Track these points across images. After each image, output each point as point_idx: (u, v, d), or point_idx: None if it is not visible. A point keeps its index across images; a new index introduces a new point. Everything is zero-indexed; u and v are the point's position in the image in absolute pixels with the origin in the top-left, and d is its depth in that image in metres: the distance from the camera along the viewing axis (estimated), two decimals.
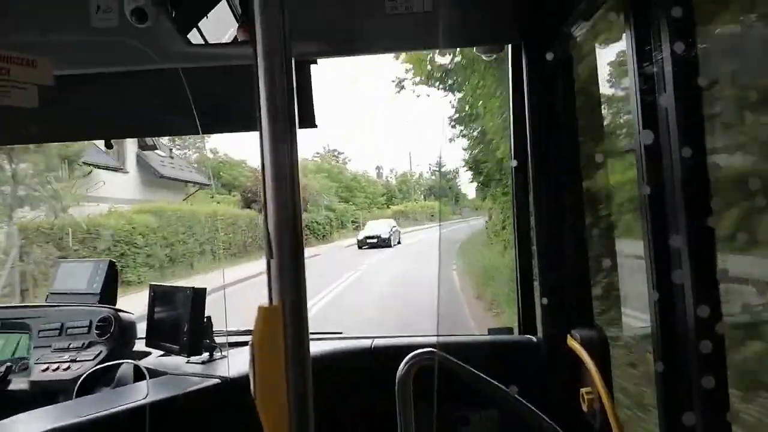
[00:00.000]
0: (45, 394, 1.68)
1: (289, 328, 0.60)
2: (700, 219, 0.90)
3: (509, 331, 1.94)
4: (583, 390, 1.48)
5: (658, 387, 1.01)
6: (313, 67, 1.68)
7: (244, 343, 1.86)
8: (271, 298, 0.61)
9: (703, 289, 0.89)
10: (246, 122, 1.65)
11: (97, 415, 1.29)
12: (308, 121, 1.62)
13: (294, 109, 0.65)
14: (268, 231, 0.61)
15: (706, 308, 0.86)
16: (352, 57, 1.73)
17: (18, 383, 1.77)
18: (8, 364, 1.81)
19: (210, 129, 1.67)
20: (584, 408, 1.47)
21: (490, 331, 1.97)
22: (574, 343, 1.53)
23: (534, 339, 1.80)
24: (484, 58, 1.79)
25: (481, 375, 1.33)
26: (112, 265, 2.02)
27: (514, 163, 1.76)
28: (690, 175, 0.90)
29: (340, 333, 2.13)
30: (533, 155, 1.63)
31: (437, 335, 1.88)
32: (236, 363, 1.60)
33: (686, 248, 0.90)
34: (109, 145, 1.80)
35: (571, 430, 1.33)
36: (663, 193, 0.95)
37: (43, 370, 1.77)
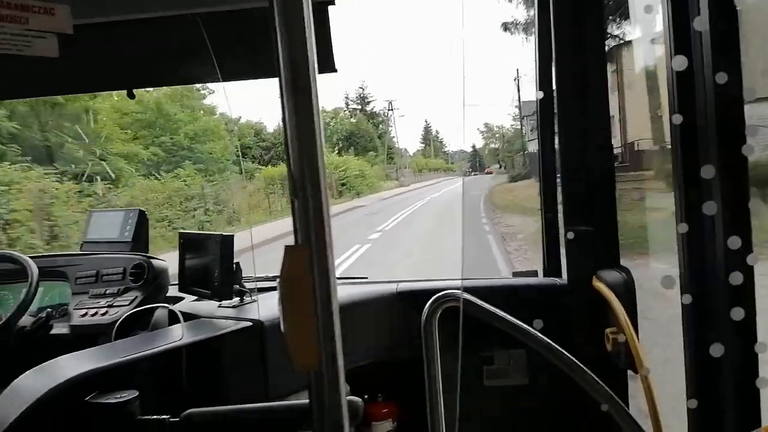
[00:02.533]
0: (85, 338, 1.75)
1: (315, 267, 0.61)
2: (732, 148, 0.87)
3: (534, 274, 1.95)
4: (607, 330, 1.49)
5: (685, 319, 1.01)
6: (330, 8, 1.63)
7: (273, 288, 1.90)
8: (296, 239, 0.62)
9: (734, 220, 0.87)
10: (267, 68, 1.63)
11: (136, 355, 1.34)
12: (328, 65, 1.59)
13: (313, 52, 0.64)
14: (291, 173, 0.61)
15: (737, 239, 0.84)
16: None
17: (59, 328, 1.86)
18: (49, 310, 1.89)
19: (231, 76, 1.66)
20: (608, 347, 1.48)
21: (515, 275, 1.97)
22: (599, 285, 1.53)
23: (559, 281, 1.81)
24: None
25: (506, 315, 1.35)
26: (142, 214, 2.06)
27: (540, 94, 1.71)
28: (724, 103, 0.86)
29: (366, 278, 2.17)
30: (559, 86, 1.58)
31: (462, 278, 1.89)
32: (265, 307, 1.64)
33: (718, 178, 0.88)
34: (131, 95, 1.80)
35: (596, 370, 1.35)
36: (695, 121, 0.91)
37: (82, 316, 1.84)
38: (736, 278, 0.86)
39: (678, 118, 0.93)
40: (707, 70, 0.88)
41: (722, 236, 0.88)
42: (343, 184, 26.14)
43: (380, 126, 46.41)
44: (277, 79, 0.63)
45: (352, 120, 42.31)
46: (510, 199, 18.64)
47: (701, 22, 0.88)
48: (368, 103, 48.79)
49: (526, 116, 38.20)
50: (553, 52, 1.59)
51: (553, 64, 1.60)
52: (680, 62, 0.91)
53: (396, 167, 40.61)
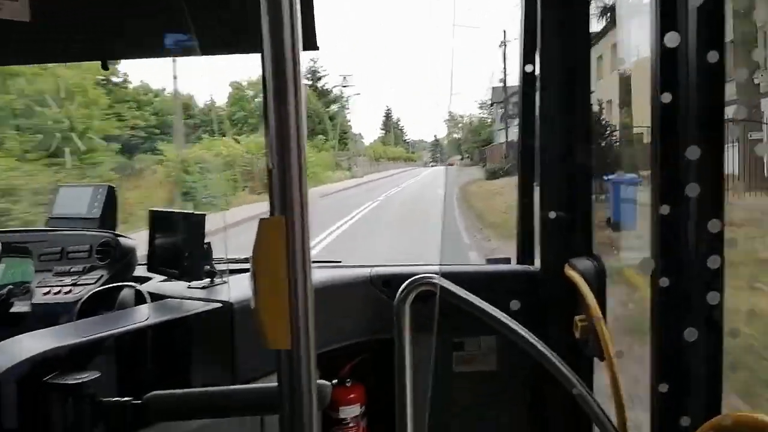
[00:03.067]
0: (47, 317, 1.70)
1: (290, 242, 0.60)
2: (715, 130, 0.88)
3: (507, 261, 1.96)
4: (576, 318, 1.51)
5: (658, 303, 1.02)
6: None
7: (244, 270, 1.87)
8: (272, 211, 0.60)
9: (714, 203, 0.88)
10: (248, 43, 1.59)
11: (98, 335, 1.31)
12: (309, 42, 1.56)
13: (298, 27, 0.63)
14: (270, 142, 0.60)
15: (717, 222, 0.86)
16: None
17: (20, 306, 1.80)
18: (10, 287, 1.82)
19: (211, 50, 1.62)
20: (577, 335, 1.51)
21: (488, 261, 1.99)
22: (571, 272, 1.55)
23: (531, 268, 1.82)
24: None
25: (479, 300, 1.36)
26: (111, 190, 2.01)
27: (528, 68, 1.70)
28: (711, 82, 0.86)
29: (339, 261, 2.15)
30: (543, 69, 1.58)
31: (438, 264, 1.89)
32: (236, 288, 1.62)
33: (699, 160, 0.88)
34: (105, 66, 1.75)
35: (566, 356, 1.37)
36: (678, 101, 0.92)
37: (45, 294, 1.79)
38: (714, 262, 0.88)
39: (667, 97, 0.93)
40: (693, 48, 0.88)
41: (703, 219, 0.89)
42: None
43: (332, 106, 40.67)
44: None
45: None
46: (499, 207, 12.68)
47: None
48: (319, 78, 42.62)
49: (496, 103, 36.63)
50: (538, 37, 1.59)
51: (537, 50, 1.60)
52: (672, 38, 0.91)
53: (349, 155, 36.09)
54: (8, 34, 1.34)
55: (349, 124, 44.15)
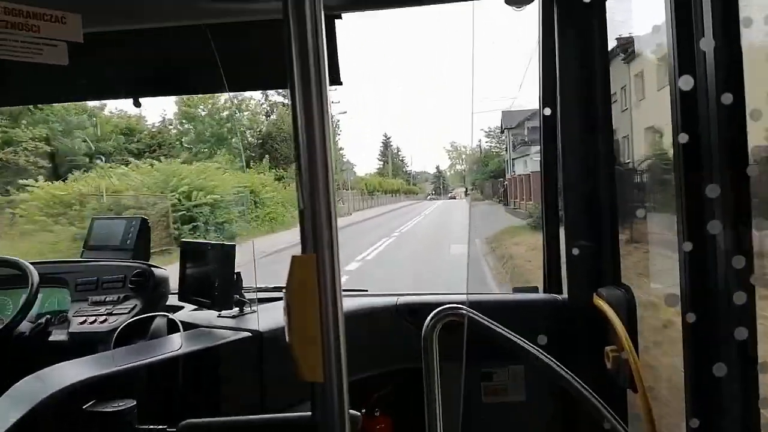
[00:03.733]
0: (83, 345, 1.74)
1: (321, 278, 0.62)
2: (737, 168, 0.88)
3: (534, 289, 1.95)
4: (607, 348, 1.49)
5: (687, 338, 1.01)
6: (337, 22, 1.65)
7: (273, 299, 1.90)
8: (304, 248, 0.62)
9: (737, 239, 0.88)
10: (274, 79, 1.64)
11: (134, 364, 1.34)
12: (333, 78, 1.61)
13: (324, 64, 0.65)
14: (300, 183, 0.62)
15: (741, 259, 0.85)
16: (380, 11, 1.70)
17: (57, 335, 1.85)
18: (48, 316, 1.88)
19: (238, 87, 1.67)
20: (608, 365, 1.48)
21: (515, 290, 1.97)
22: (600, 302, 1.53)
23: (559, 297, 1.81)
24: (514, 9, 1.74)
25: (506, 330, 1.35)
26: (144, 222, 2.07)
27: (547, 111, 1.72)
28: (729, 123, 0.87)
29: (366, 291, 2.16)
30: (563, 104, 1.60)
31: (464, 293, 1.88)
32: (265, 318, 1.64)
33: (721, 198, 0.88)
34: (137, 104, 1.82)
35: (596, 387, 1.34)
36: (699, 140, 0.92)
37: (81, 323, 1.84)
38: (740, 298, 0.87)
39: (684, 137, 0.94)
40: (711, 89, 0.89)
41: (727, 255, 0.89)
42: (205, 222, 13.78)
43: None
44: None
45: (272, 117, 28.69)
46: None
47: (706, 43, 0.90)
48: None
49: (508, 129, 33.50)
50: (557, 68, 1.61)
51: (557, 80, 1.61)
52: (686, 82, 0.93)
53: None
54: (46, 75, 1.41)
55: (341, 152, 39.31)
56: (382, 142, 64.67)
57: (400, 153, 67.85)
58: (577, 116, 1.58)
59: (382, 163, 62.45)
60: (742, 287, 0.87)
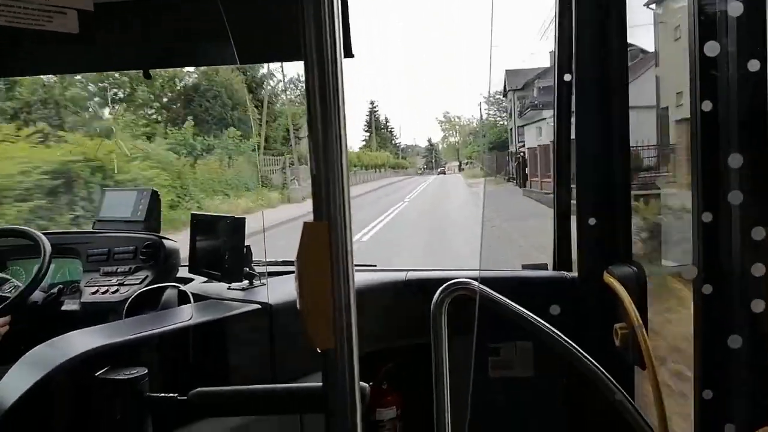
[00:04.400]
0: (95, 315, 1.76)
1: (333, 245, 0.61)
2: (759, 137, 0.86)
3: (544, 267, 1.94)
4: (616, 325, 1.49)
5: (700, 311, 1.01)
6: None
7: (283, 273, 1.91)
8: (316, 216, 0.62)
9: (758, 210, 0.87)
10: (285, 51, 1.62)
11: (145, 333, 1.35)
12: (346, 50, 1.58)
13: (339, 36, 0.65)
14: (312, 149, 0.62)
15: (761, 230, 0.84)
16: None
17: (70, 305, 1.87)
18: (60, 286, 1.90)
19: (248, 59, 1.65)
20: (617, 342, 1.48)
21: (524, 267, 1.97)
22: (610, 279, 1.52)
23: (569, 275, 1.80)
24: None
25: (516, 306, 1.35)
26: (155, 194, 2.07)
27: (567, 77, 1.68)
28: (752, 90, 0.85)
29: (374, 265, 2.17)
30: (578, 74, 1.57)
31: (474, 269, 1.88)
32: (275, 290, 1.65)
33: (740, 167, 0.87)
34: (147, 75, 1.80)
35: (605, 364, 1.35)
36: (717, 108, 0.90)
37: (93, 293, 1.86)
38: (758, 270, 0.86)
39: (708, 105, 0.92)
40: (734, 56, 0.87)
41: (746, 226, 0.88)
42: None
43: (264, 85, 23.88)
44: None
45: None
46: None
47: (732, 7, 0.87)
48: None
49: (513, 90, 28.76)
50: (574, 36, 1.57)
51: (574, 48, 1.58)
52: (712, 48, 0.90)
53: (284, 162, 19.84)
54: (54, 43, 1.40)
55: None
56: (368, 111, 56.80)
57: (388, 124, 60.23)
58: (593, 87, 1.55)
59: (368, 134, 55.46)
60: (760, 259, 0.86)
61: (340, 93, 0.64)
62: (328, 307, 0.62)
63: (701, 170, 0.97)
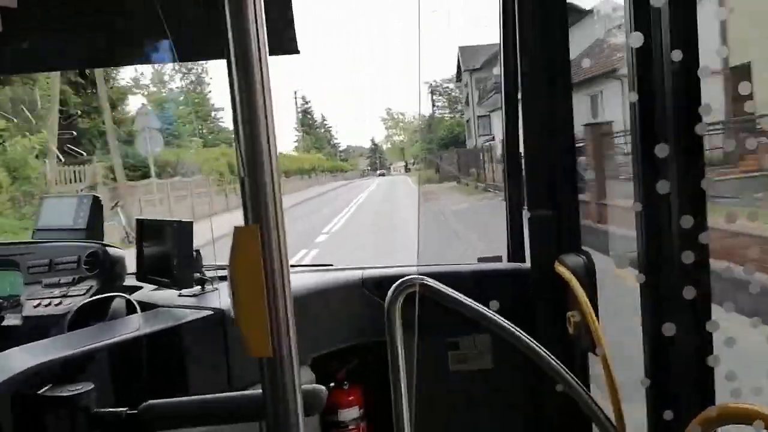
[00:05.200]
0: (38, 329, 1.69)
1: (266, 249, 0.59)
2: (687, 127, 0.88)
3: (498, 259, 1.96)
4: (569, 313, 1.51)
5: (641, 298, 1.03)
6: None
7: None
8: (246, 219, 0.60)
9: (687, 199, 0.89)
10: (220, 49, 1.58)
11: (91, 346, 1.30)
12: (288, 46, 1.55)
13: (263, 31, 0.63)
14: (240, 151, 0.60)
15: (689, 218, 0.86)
16: None
17: (11, 319, 1.79)
18: (0, 300, 1.82)
19: (187, 57, 1.60)
20: (570, 330, 1.51)
21: (480, 260, 1.99)
22: (561, 269, 1.55)
23: (522, 266, 1.82)
24: None
25: (467, 299, 1.35)
26: (96, 200, 2.00)
27: (509, 67, 1.69)
28: (680, 81, 0.87)
29: (330, 265, 2.15)
30: (523, 66, 1.58)
31: (423, 264, 1.89)
32: (227, 295, 1.61)
33: (673, 157, 0.89)
34: (84, 75, 1.74)
35: (560, 353, 1.37)
36: (653, 99, 0.92)
37: (35, 306, 1.78)
38: (688, 257, 0.88)
39: (634, 96, 0.94)
40: (665, 47, 0.89)
41: (676, 215, 0.90)
42: None
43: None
44: None
45: None
46: None
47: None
48: None
49: (469, 71, 25.22)
50: (517, 33, 1.59)
51: (517, 45, 1.59)
52: (637, 39, 0.92)
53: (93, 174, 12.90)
54: None
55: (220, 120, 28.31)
56: (300, 107, 49.25)
57: (326, 123, 52.84)
58: (538, 81, 1.57)
59: (302, 132, 48.35)
60: (690, 246, 0.88)
61: (267, 92, 0.62)
62: (263, 313, 0.60)
63: (634, 161, 0.99)
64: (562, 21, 1.54)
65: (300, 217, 16.60)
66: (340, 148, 54.13)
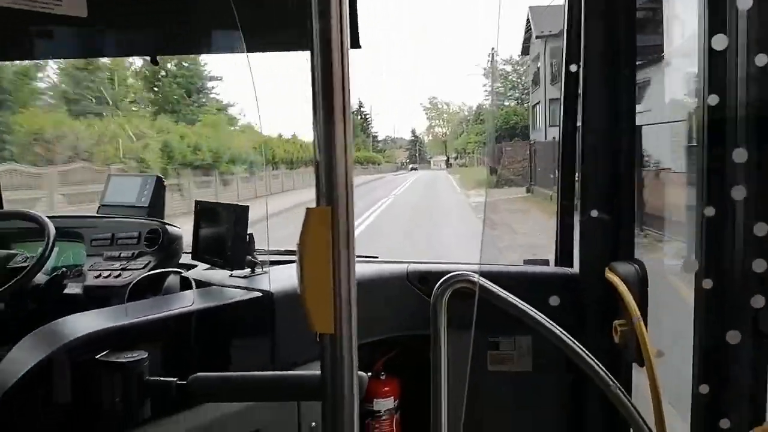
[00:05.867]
0: (97, 299, 1.77)
1: (335, 231, 0.62)
2: (762, 133, 0.86)
3: (545, 262, 1.94)
4: (616, 322, 1.49)
5: (701, 305, 1.01)
6: None
7: (284, 262, 1.91)
8: (318, 201, 0.62)
9: (762, 206, 0.86)
10: (291, 41, 1.62)
11: (146, 318, 1.36)
12: (354, 41, 1.58)
13: (346, 25, 0.65)
14: (317, 134, 0.62)
15: (764, 226, 0.84)
16: None
17: (72, 288, 1.88)
18: (63, 269, 1.91)
19: (256, 48, 1.65)
20: (616, 339, 1.48)
21: (526, 262, 1.97)
22: (612, 276, 1.52)
23: (570, 271, 1.80)
24: None
25: (515, 299, 1.35)
26: (160, 180, 2.08)
27: (573, 67, 1.66)
28: (760, 85, 0.85)
29: (376, 257, 2.17)
30: (586, 65, 1.55)
31: (476, 263, 1.89)
32: (276, 279, 1.65)
33: (746, 163, 0.86)
34: (154, 62, 1.81)
35: (603, 361, 1.35)
36: (726, 102, 0.90)
37: (96, 277, 1.87)
38: (760, 265, 0.86)
39: (714, 99, 0.92)
40: (743, 50, 0.87)
41: (749, 222, 0.88)
42: None
43: None
44: None
45: None
46: None
47: (741, 1, 0.87)
48: None
49: (543, 37, 20.06)
50: (582, 24, 1.56)
51: (582, 38, 1.56)
52: (720, 41, 0.90)
53: None
54: (60, 29, 1.39)
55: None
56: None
57: (362, 109, 47.72)
58: (602, 77, 1.53)
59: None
60: (762, 255, 0.86)
61: (346, 82, 0.64)
62: (328, 291, 0.63)
63: (705, 164, 0.97)
64: (630, 11, 1.49)
65: None
66: (379, 138, 48.26)
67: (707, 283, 0.98)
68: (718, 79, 0.94)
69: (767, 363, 0.92)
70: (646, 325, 1.40)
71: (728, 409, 0.98)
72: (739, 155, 0.89)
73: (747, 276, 0.90)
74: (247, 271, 1.76)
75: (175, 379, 1.18)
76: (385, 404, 1.93)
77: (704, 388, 0.99)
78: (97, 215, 2.14)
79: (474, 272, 1.40)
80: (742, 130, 0.91)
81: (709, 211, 0.95)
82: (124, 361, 1.19)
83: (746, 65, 0.88)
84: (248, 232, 1.76)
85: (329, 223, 0.62)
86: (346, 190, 0.62)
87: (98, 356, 1.20)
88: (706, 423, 1.01)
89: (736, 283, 0.93)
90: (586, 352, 1.28)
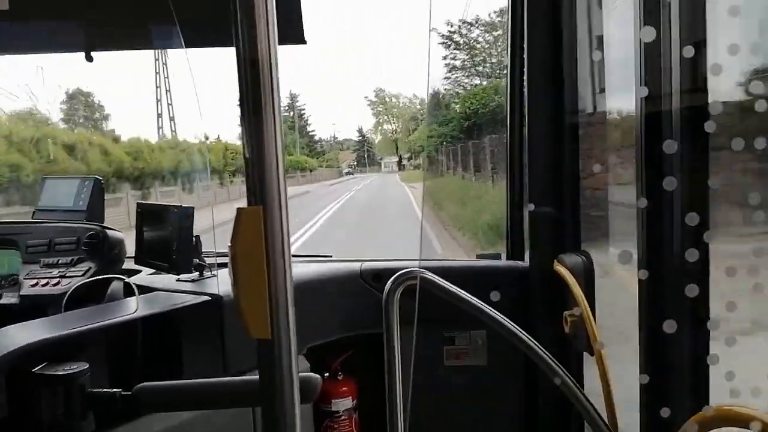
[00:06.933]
0: (35, 308, 1.69)
1: (269, 230, 0.59)
2: (696, 124, 0.88)
3: (497, 256, 1.96)
4: (566, 313, 1.51)
5: (641, 294, 1.03)
6: None
7: None
8: (249, 201, 0.60)
9: (693, 196, 0.89)
10: (228, 35, 1.57)
11: (87, 326, 1.30)
12: (295, 36, 1.54)
13: (273, 20, 0.62)
14: (246, 131, 0.60)
15: (695, 216, 0.86)
16: None
17: (8, 298, 1.79)
18: None
19: (194, 42, 1.60)
20: (566, 330, 1.51)
21: (479, 257, 1.99)
22: (560, 268, 1.55)
23: (521, 264, 1.82)
24: None
25: (464, 294, 1.35)
26: (98, 182, 1.99)
27: (517, 63, 1.67)
28: (690, 77, 0.87)
29: (330, 256, 2.15)
30: (530, 61, 1.57)
31: (422, 259, 1.89)
32: (225, 282, 1.61)
33: (680, 154, 0.88)
34: (89, 58, 1.73)
35: (555, 351, 1.37)
36: (660, 94, 0.92)
37: (33, 285, 1.78)
38: (692, 255, 0.88)
39: (643, 91, 0.94)
40: (675, 43, 0.89)
41: (681, 212, 0.90)
42: None
43: None
44: None
45: None
46: None
47: None
48: None
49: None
50: (525, 21, 1.58)
51: (525, 35, 1.58)
52: (648, 33, 0.91)
53: None
54: None
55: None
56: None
57: (295, 104, 40.18)
58: (544, 78, 1.57)
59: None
60: (694, 244, 0.88)
61: (275, 77, 0.62)
62: (263, 295, 0.60)
63: (642, 157, 0.99)
64: (572, 8, 1.52)
65: None
66: (324, 140, 40.68)
67: (643, 274, 1.00)
68: (648, 72, 0.96)
69: (706, 352, 0.94)
70: (593, 315, 1.43)
71: (668, 398, 1.00)
72: (670, 147, 0.91)
73: (682, 265, 0.93)
74: (195, 274, 1.71)
75: (120, 389, 1.13)
76: (343, 404, 1.92)
77: (644, 378, 1.02)
78: (32, 221, 2.04)
79: (424, 268, 1.40)
80: (675, 122, 0.93)
81: (643, 203, 0.97)
82: (62, 373, 1.13)
83: (678, 57, 0.90)
84: (194, 235, 1.71)
85: (261, 223, 0.59)
86: (278, 188, 0.60)
87: (36, 369, 1.14)
88: (648, 412, 1.04)
89: (672, 272, 0.96)
90: (536, 343, 1.30)
